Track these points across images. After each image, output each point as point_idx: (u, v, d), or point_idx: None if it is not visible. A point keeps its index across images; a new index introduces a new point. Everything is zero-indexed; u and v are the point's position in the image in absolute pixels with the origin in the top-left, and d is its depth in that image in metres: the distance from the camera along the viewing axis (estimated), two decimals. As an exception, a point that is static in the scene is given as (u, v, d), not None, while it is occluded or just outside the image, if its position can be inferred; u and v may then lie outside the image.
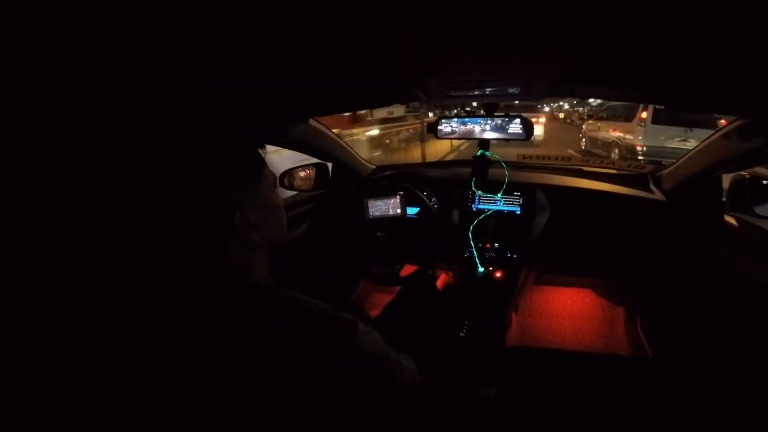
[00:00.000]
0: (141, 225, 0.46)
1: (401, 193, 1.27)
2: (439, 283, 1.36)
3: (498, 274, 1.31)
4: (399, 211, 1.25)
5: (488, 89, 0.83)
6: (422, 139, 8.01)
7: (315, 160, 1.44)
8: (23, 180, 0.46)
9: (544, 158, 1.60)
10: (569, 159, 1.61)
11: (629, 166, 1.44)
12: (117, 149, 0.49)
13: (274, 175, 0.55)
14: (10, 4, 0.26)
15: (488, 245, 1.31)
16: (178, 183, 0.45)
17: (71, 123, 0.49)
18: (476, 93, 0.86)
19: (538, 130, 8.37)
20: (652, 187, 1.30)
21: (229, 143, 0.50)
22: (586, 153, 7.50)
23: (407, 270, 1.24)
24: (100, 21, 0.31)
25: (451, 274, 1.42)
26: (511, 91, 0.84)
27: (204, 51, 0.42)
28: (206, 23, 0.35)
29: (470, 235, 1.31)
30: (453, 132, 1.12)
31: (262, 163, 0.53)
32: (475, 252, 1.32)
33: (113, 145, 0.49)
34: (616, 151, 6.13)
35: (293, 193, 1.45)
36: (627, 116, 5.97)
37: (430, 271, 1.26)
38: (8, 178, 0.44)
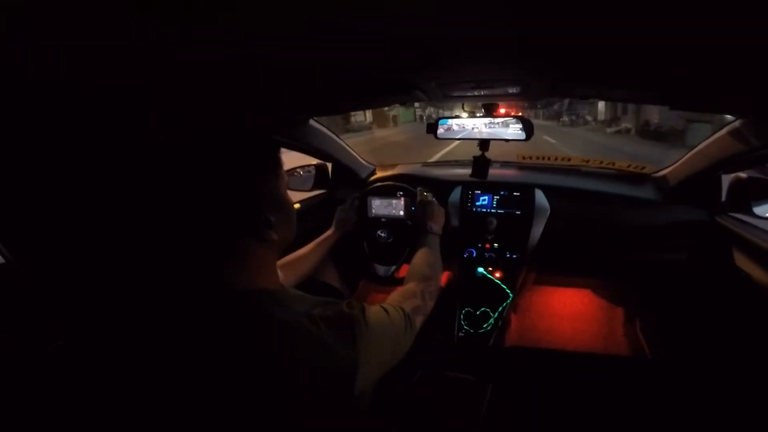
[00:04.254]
0: (163, 227, 0.45)
1: (401, 193, 1.27)
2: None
3: (498, 275, 1.31)
4: (402, 213, 1.25)
5: (488, 89, 0.83)
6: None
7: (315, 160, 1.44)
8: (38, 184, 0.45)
9: (544, 158, 1.60)
10: (569, 159, 1.61)
11: (629, 166, 1.44)
12: (134, 153, 0.48)
13: (286, 173, 0.55)
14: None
15: (488, 245, 1.31)
16: (200, 186, 0.43)
17: (84, 129, 0.49)
18: (476, 93, 0.86)
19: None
20: (652, 187, 1.30)
21: (249, 142, 0.49)
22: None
23: (406, 270, 1.24)
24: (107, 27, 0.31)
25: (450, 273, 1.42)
26: (511, 91, 0.84)
27: (203, 52, 0.42)
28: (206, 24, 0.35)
29: (470, 236, 1.31)
30: (452, 132, 1.12)
31: (279, 161, 0.53)
32: (474, 252, 1.32)
33: (130, 149, 0.49)
34: None
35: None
36: None
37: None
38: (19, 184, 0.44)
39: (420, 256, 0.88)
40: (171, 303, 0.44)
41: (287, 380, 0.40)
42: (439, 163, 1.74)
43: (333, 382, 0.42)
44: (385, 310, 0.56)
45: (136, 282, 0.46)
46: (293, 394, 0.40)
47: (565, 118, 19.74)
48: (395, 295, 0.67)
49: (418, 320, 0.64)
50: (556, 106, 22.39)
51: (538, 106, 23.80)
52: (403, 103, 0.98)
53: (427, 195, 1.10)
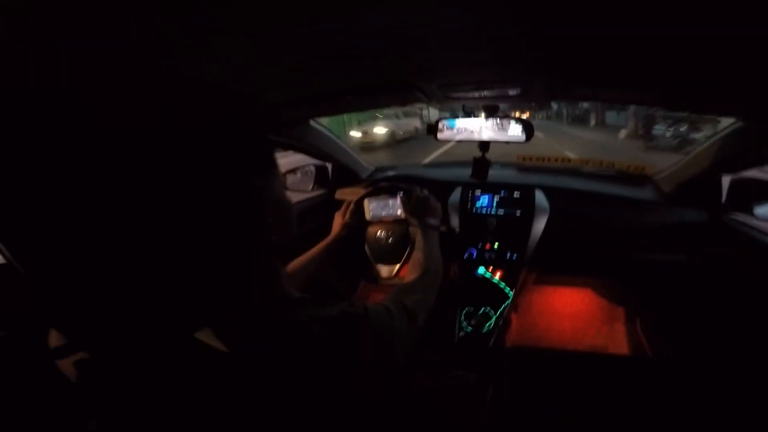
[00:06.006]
0: (161, 230, 0.44)
1: (401, 194, 1.27)
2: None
3: (498, 275, 1.31)
4: (399, 212, 1.25)
5: (488, 91, 0.83)
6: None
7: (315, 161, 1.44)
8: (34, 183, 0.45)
9: (543, 159, 1.60)
10: (569, 160, 1.61)
11: (629, 167, 1.44)
12: (122, 152, 0.48)
13: (282, 174, 0.54)
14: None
15: (488, 246, 1.31)
16: (195, 185, 0.42)
17: (81, 125, 0.49)
18: (476, 94, 0.86)
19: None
20: (652, 188, 1.30)
21: (244, 142, 0.48)
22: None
23: (406, 270, 1.24)
24: (101, 22, 0.31)
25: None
26: (511, 92, 0.84)
27: (203, 51, 0.42)
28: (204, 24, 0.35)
29: (470, 236, 1.31)
30: (452, 133, 1.12)
31: (275, 160, 0.51)
32: (475, 253, 1.32)
33: (120, 148, 0.48)
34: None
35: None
36: None
37: None
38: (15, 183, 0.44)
39: (419, 251, 0.88)
40: (174, 308, 0.44)
41: (295, 383, 0.40)
42: (439, 164, 1.74)
43: (337, 384, 0.42)
44: (387, 308, 0.55)
45: (139, 285, 0.46)
46: (300, 396, 0.40)
47: (662, 129, 7.97)
48: (396, 291, 0.67)
49: (421, 315, 0.64)
50: (586, 104, 12.93)
51: (552, 106, 17.49)
52: (403, 104, 0.98)
53: (423, 191, 1.11)
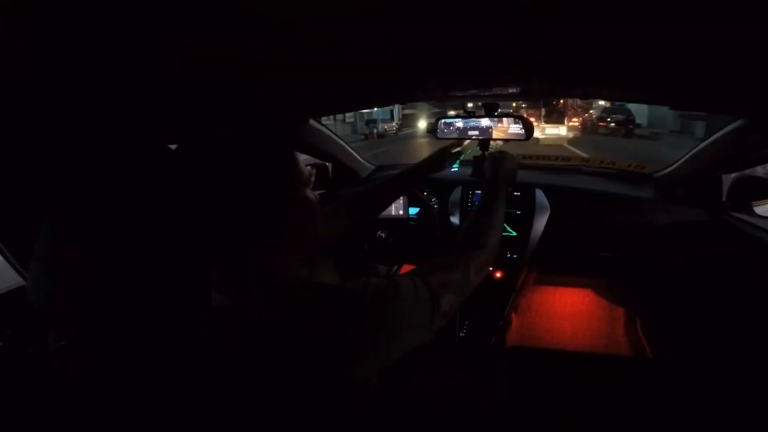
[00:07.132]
0: (169, 227, 0.44)
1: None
2: None
3: (498, 275, 1.30)
4: (401, 212, 1.25)
5: (488, 89, 0.83)
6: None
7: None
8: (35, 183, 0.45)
9: (544, 158, 1.60)
10: (569, 159, 1.61)
11: (629, 165, 1.44)
12: (123, 152, 0.48)
13: (308, 171, 0.52)
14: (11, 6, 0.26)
15: None
16: (197, 185, 0.42)
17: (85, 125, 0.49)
18: (476, 93, 0.86)
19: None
20: (652, 187, 1.30)
21: (256, 141, 0.48)
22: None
23: (407, 270, 1.24)
24: (98, 18, 0.31)
25: None
26: (511, 91, 0.84)
27: (205, 51, 0.42)
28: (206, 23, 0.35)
29: None
30: (452, 132, 1.12)
31: (294, 158, 0.50)
32: None
33: (127, 148, 0.48)
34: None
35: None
36: None
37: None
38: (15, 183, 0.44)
39: (475, 215, 0.67)
40: (174, 307, 0.44)
41: (295, 383, 0.40)
42: None
43: (337, 383, 0.42)
44: (397, 284, 0.45)
45: (139, 285, 0.46)
46: (300, 396, 0.40)
47: None
48: (427, 264, 0.54)
49: (449, 299, 0.51)
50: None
51: (577, 104, 12.31)
52: (402, 103, 0.98)
53: (500, 149, 0.92)
